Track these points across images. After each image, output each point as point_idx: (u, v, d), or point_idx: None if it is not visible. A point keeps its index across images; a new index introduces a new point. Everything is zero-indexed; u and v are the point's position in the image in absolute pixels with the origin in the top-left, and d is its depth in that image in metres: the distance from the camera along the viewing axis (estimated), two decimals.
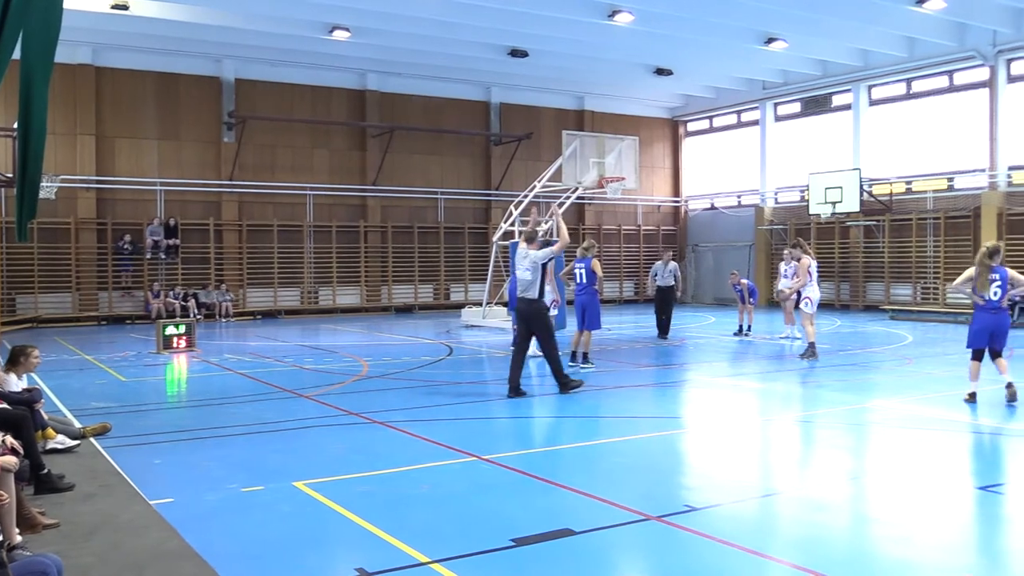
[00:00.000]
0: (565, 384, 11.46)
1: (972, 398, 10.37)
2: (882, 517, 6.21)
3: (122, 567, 4.94)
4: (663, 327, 19.38)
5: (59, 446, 7.77)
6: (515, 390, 11.24)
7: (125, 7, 21.35)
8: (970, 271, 10.45)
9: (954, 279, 11.22)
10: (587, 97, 33.35)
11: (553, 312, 16.00)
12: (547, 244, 16.79)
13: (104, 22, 22.55)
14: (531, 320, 11.48)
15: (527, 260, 11.50)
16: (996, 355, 10.45)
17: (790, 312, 18.62)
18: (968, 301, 11.23)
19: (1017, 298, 14.30)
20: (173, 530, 5.53)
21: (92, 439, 8.39)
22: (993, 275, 10.26)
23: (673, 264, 19.91)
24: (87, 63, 25.08)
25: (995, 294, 10.23)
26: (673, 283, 19.56)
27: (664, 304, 19.49)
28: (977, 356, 10.45)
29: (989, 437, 8.99)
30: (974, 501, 6.69)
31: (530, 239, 11.88)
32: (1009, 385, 10.29)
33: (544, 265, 11.60)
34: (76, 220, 24.97)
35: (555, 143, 28.83)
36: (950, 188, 26.61)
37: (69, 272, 25.00)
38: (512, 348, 11.89)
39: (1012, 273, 10.45)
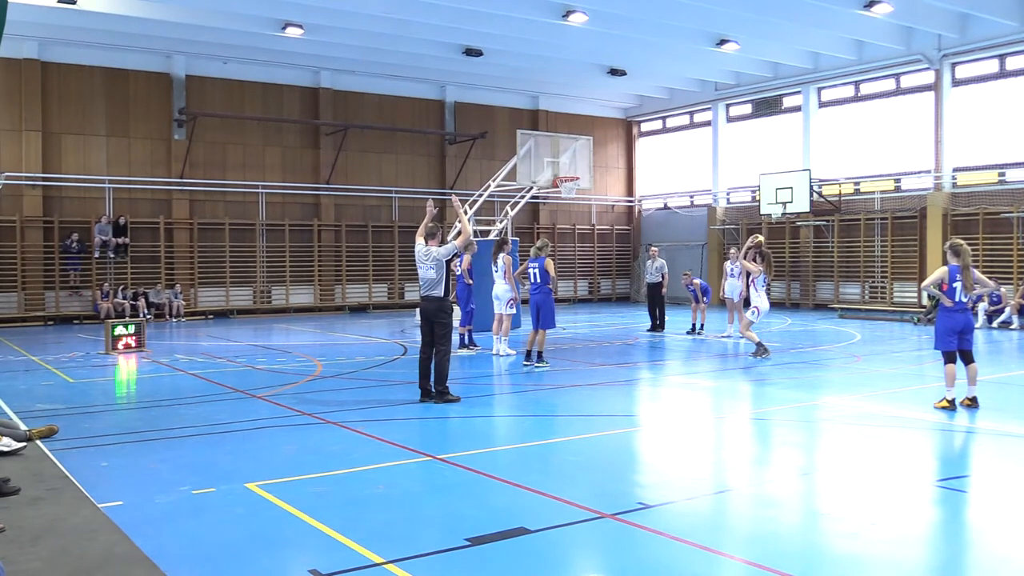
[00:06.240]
0: (441, 393, 10.80)
1: (951, 405, 9.94)
2: (833, 513, 6.31)
3: (70, 572, 4.85)
4: (657, 321, 20.47)
5: (4, 449, 7.61)
6: (426, 393, 10.92)
7: (73, 1, 20.95)
8: (941, 271, 10.07)
9: (916, 278, 11.10)
10: (542, 97, 33.43)
11: (511, 311, 16.16)
12: (503, 243, 16.91)
13: (51, 16, 22.09)
14: (435, 318, 10.91)
15: (429, 259, 10.89)
16: (968, 359, 10.17)
17: (734, 311, 18.92)
18: (914, 300, 11.27)
19: (976, 299, 14.46)
20: (123, 534, 5.44)
21: (38, 442, 8.22)
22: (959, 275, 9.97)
23: (660, 262, 20.74)
24: (33, 58, 24.55)
25: (963, 295, 9.97)
26: (660, 279, 20.49)
27: (653, 300, 20.58)
28: (950, 358, 10.06)
29: (938, 433, 9.17)
30: (924, 496, 6.83)
31: (431, 235, 11.12)
32: (973, 399, 10.08)
33: (447, 263, 11.04)
34: (22, 218, 24.45)
35: (510, 142, 28.94)
36: (897, 189, 27.12)
37: (15, 271, 24.47)
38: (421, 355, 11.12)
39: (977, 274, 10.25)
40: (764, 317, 15.88)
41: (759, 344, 15.16)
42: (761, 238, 16.11)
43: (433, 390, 10.87)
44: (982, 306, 21.50)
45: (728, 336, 18.89)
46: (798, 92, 29.55)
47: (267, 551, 5.50)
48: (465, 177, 31.18)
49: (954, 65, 25.41)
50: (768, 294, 15.78)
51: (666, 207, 35.15)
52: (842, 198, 28.22)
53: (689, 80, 31.46)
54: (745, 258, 15.67)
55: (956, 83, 25.50)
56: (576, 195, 29.53)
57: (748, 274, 15.78)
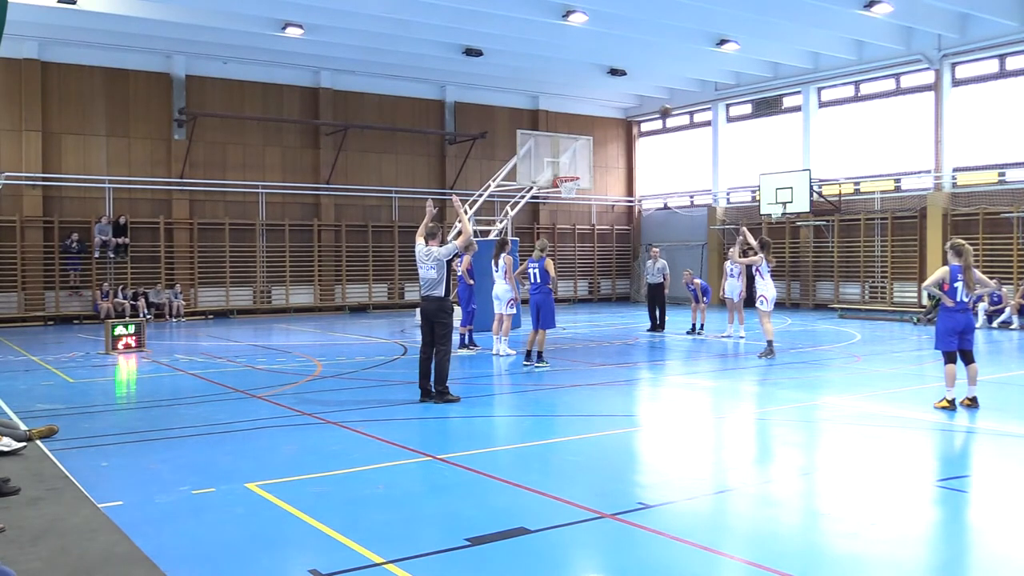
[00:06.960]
0: (441, 393, 10.81)
1: (951, 405, 9.94)
2: (833, 512, 6.31)
3: (71, 572, 4.85)
4: (657, 321, 20.48)
5: (4, 449, 7.61)
6: (426, 393, 10.93)
7: (73, 1, 20.95)
8: (943, 271, 10.08)
9: (916, 278, 11.10)
10: (542, 97, 33.43)
11: (511, 311, 16.16)
12: (509, 243, 16.91)
13: (51, 16, 22.08)
14: (435, 318, 10.93)
15: (430, 259, 10.90)
16: (968, 359, 10.17)
17: (734, 311, 18.94)
18: (914, 300, 11.25)
19: (976, 299, 14.44)
20: (123, 534, 5.44)
21: (38, 442, 8.22)
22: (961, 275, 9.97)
23: (662, 262, 20.80)
24: (33, 58, 24.56)
25: (965, 295, 9.97)
26: (662, 280, 20.56)
27: (654, 300, 20.59)
28: (950, 358, 10.06)
29: (938, 433, 9.17)
30: (924, 496, 6.83)
31: (431, 235, 11.12)
32: (973, 399, 10.09)
33: (447, 263, 11.03)
34: (22, 218, 24.45)
35: (510, 142, 28.94)
36: (897, 189, 27.11)
37: (15, 271, 24.46)
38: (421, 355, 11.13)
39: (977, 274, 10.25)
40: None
41: (768, 342, 15.19)
42: (744, 228, 16.28)
43: (433, 390, 10.87)
44: (982, 306, 21.50)
45: (728, 336, 18.89)
46: (798, 92, 29.54)
47: (267, 551, 5.50)
48: (465, 177, 31.18)
49: (954, 65, 25.40)
50: (773, 280, 15.73)
51: (666, 207, 35.14)
52: (842, 198, 28.21)
53: (689, 80, 31.45)
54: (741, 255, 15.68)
55: (956, 83, 25.50)
56: (576, 195, 29.53)
57: (749, 266, 15.75)
